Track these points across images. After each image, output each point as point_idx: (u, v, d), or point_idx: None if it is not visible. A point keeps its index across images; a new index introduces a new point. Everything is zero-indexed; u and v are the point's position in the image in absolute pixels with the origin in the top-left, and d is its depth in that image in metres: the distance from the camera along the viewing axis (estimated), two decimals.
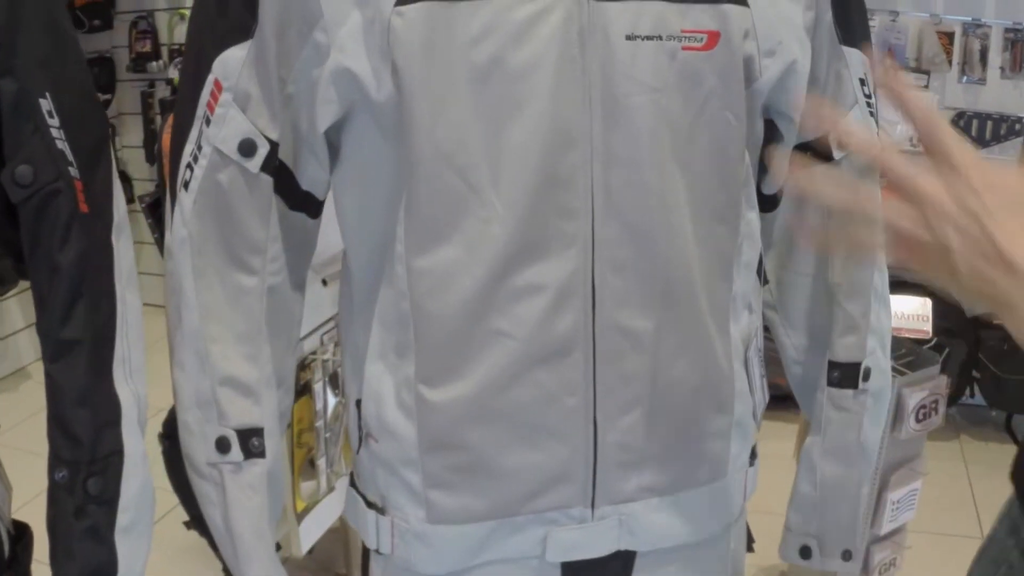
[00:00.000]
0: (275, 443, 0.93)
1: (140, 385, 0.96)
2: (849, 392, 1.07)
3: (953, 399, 3.17)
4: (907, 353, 2.03)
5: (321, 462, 1.87)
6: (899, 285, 2.84)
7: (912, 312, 2.09)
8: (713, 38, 0.83)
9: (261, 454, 0.91)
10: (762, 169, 0.98)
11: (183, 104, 0.88)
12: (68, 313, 0.90)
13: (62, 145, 0.89)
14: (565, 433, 0.87)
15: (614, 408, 0.87)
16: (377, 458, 0.92)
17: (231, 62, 0.84)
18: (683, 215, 0.85)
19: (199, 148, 0.86)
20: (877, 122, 1.03)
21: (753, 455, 1.01)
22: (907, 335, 2.07)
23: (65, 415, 0.90)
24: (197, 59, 0.86)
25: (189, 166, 0.87)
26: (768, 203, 1.03)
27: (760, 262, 0.98)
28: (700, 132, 0.85)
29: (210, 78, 0.85)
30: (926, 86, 3.18)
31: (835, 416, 1.08)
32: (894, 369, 2.22)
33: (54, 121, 0.89)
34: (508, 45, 0.78)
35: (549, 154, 0.80)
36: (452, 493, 0.88)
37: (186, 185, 0.87)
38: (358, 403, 0.93)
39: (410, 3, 0.77)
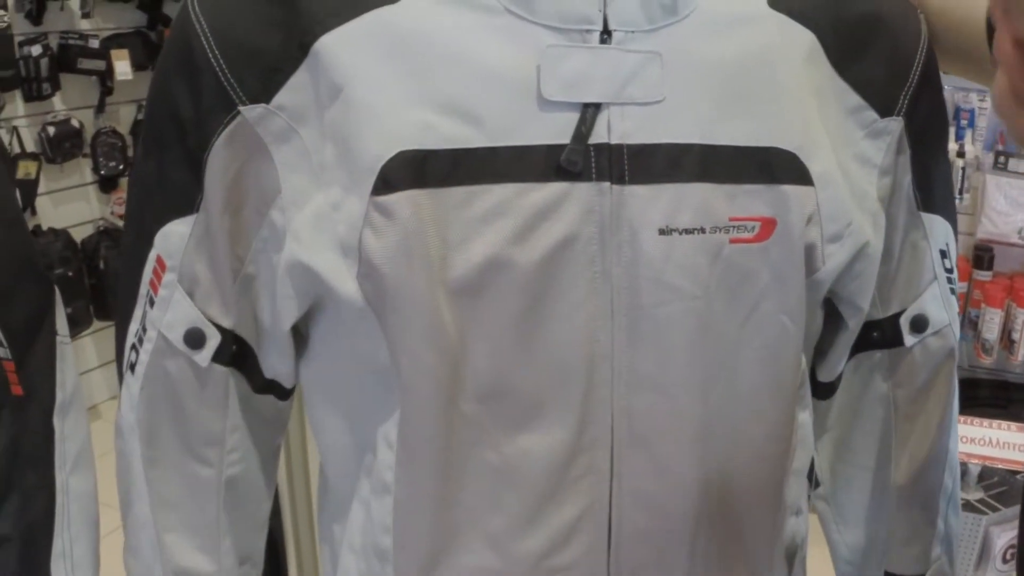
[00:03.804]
0: None
1: None
2: None
3: None
4: (999, 483, 1.85)
5: None
6: (994, 414, 2.63)
7: (1007, 440, 1.91)
8: (768, 227, 0.69)
9: None
10: (818, 353, 0.84)
11: (126, 278, 0.78)
12: None
13: None
14: None
15: None
16: None
17: (173, 238, 0.73)
18: (723, 443, 0.72)
19: (143, 330, 0.76)
20: (958, 300, 0.89)
21: None
22: (1000, 465, 1.89)
23: None
24: (137, 230, 0.75)
25: (134, 347, 0.77)
26: (823, 390, 0.89)
27: (812, 463, 0.84)
28: (748, 340, 0.71)
29: (152, 253, 0.74)
30: None
31: None
32: (983, 502, 2.06)
33: None
34: (512, 244, 0.64)
35: (562, 378, 0.68)
36: None
37: (132, 368, 0.78)
38: None
39: (391, 192, 0.64)
